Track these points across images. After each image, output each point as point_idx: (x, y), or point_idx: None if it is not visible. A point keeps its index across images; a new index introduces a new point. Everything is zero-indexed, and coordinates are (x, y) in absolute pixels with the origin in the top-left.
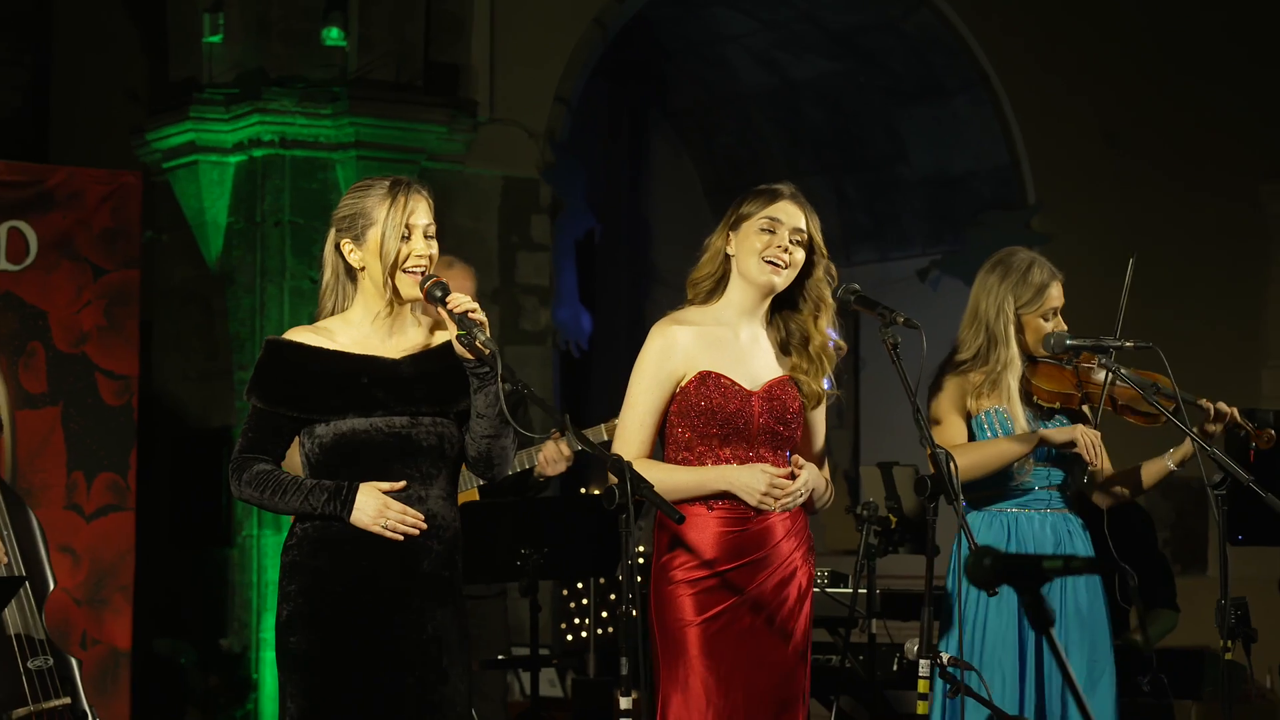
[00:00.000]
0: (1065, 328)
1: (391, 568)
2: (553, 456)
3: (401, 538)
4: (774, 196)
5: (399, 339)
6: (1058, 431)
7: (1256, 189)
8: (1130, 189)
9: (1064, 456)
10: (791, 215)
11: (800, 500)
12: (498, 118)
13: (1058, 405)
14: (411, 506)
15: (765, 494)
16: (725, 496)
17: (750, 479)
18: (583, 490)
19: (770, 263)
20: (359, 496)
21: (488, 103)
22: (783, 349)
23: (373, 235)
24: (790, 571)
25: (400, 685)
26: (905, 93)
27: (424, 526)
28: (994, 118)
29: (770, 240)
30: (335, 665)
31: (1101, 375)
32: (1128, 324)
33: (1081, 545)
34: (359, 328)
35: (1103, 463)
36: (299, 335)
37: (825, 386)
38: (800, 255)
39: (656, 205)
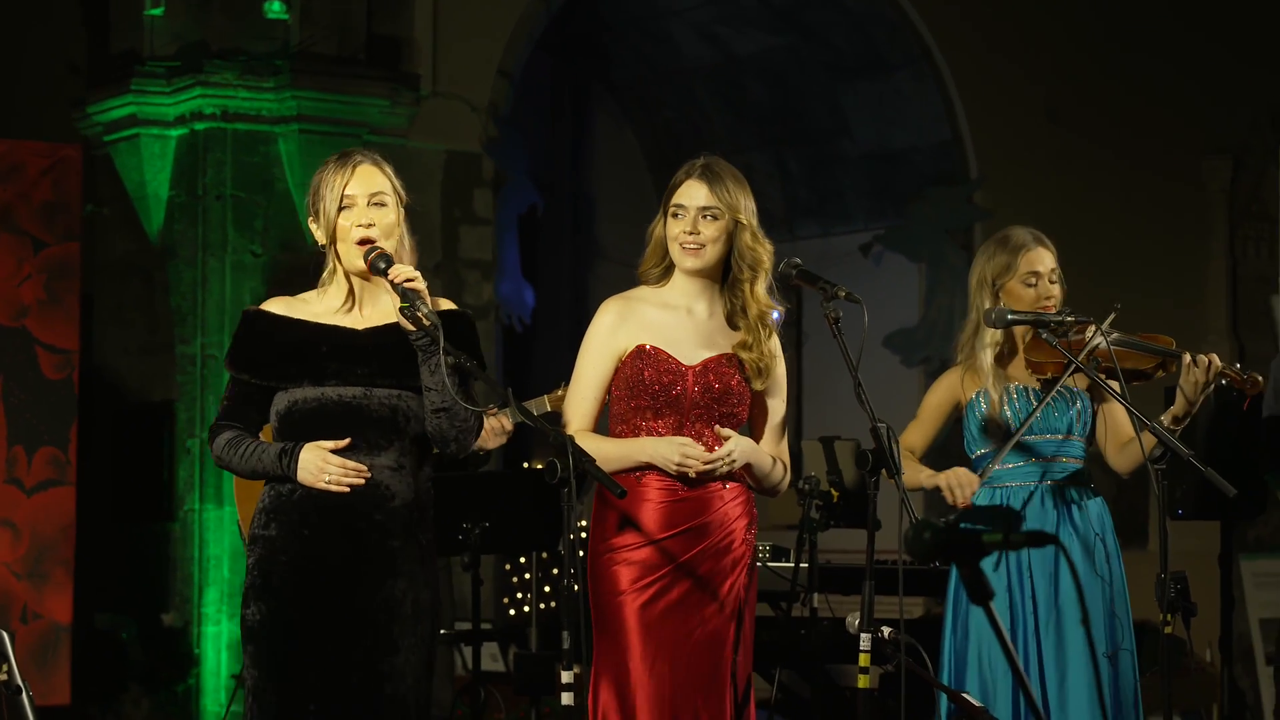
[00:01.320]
0: (1055, 294)
1: (333, 537)
2: (493, 429)
3: (347, 489)
4: (682, 178)
5: (370, 311)
6: (929, 478)
7: (1198, 164)
8: (1072, 164)
9: (1069, 428)
10: (694, 195)
11: (725, 468)
12: (440, 91)
13: (1049, 373)
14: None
15: (679, 463)
16: (649, 468)
17: (666, 449)
18: (525, 464)
19: (684, 247)
20: (302, 454)
21: (430, 76)
22: (730, 322)
23: (321, 210)
24: (726, 542)
25: (346, 655)
26: (847, 68)
27: (368, 475)
28: (936, 93)
29: (680, 227)
30: (285, 635)
31: (1095, 341)
32: (1071, 297)
33: (1067, 521)
34: (331, 299)
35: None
36: (272, 305)
37: (771, 350)
38: (713, 230)
39: (599, 179)
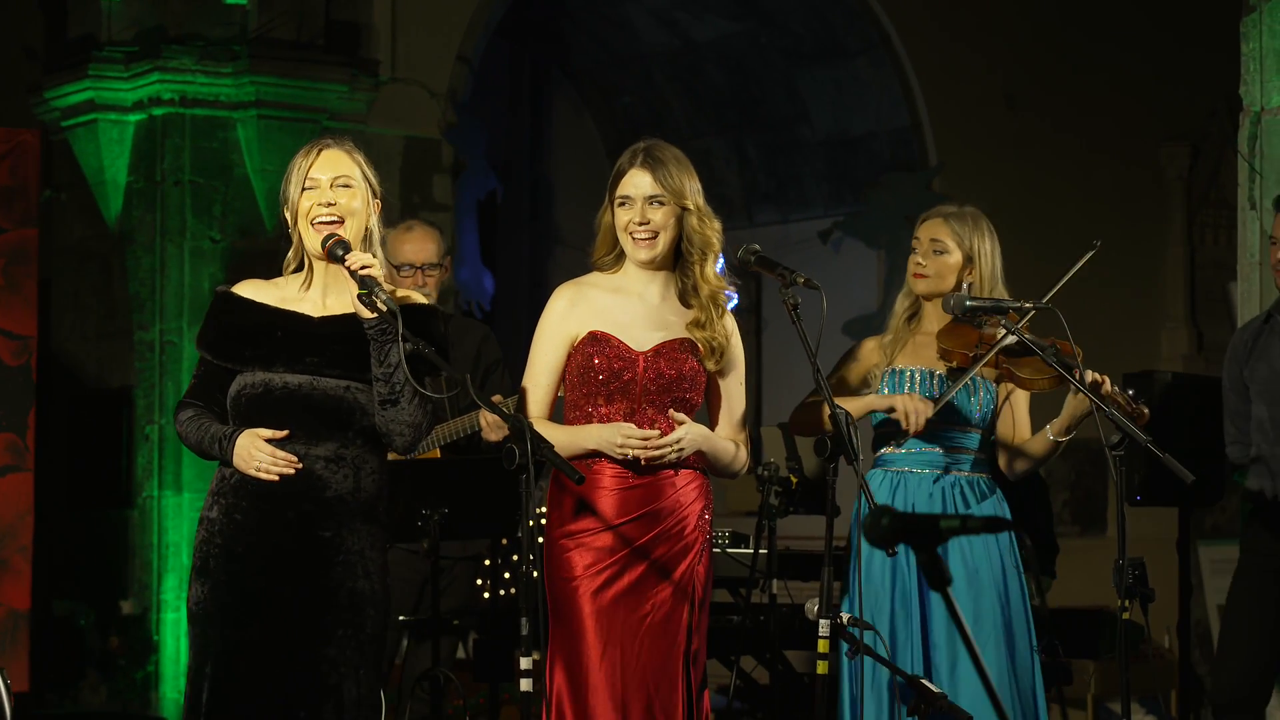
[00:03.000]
0: (925, 266)
1: (262, 524)
2: (494, 421)
3: (277, 478)
4: (623, 168)
5: (333, 299)
6: (881, 398)
7: (1156, 150)
8: (1030, 150)
9: (968, 419)
10: (639, 185)
11: (674, 454)
12: (399, 77)
13: (955, 363)
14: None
15: (620, 446)
16: (600, 455)
17: (607, 434)
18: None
19: (635, 238)
20: (238, 440)
21: (389, 62)
22: (684, 302)
23: (287, 193)
24: (679, 529)
25: (277, 643)
26: (806, 54)
27: (299, 465)
28: (895, 79)
29: (628, 216)
30: (220, 620)
31: (999, 335)
32: (1027, 283)
33: (973, 510)
34: (297, 286)
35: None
36: (242, 287)
37: (725, 329)
38: (661, 216)
39: (558, 166)
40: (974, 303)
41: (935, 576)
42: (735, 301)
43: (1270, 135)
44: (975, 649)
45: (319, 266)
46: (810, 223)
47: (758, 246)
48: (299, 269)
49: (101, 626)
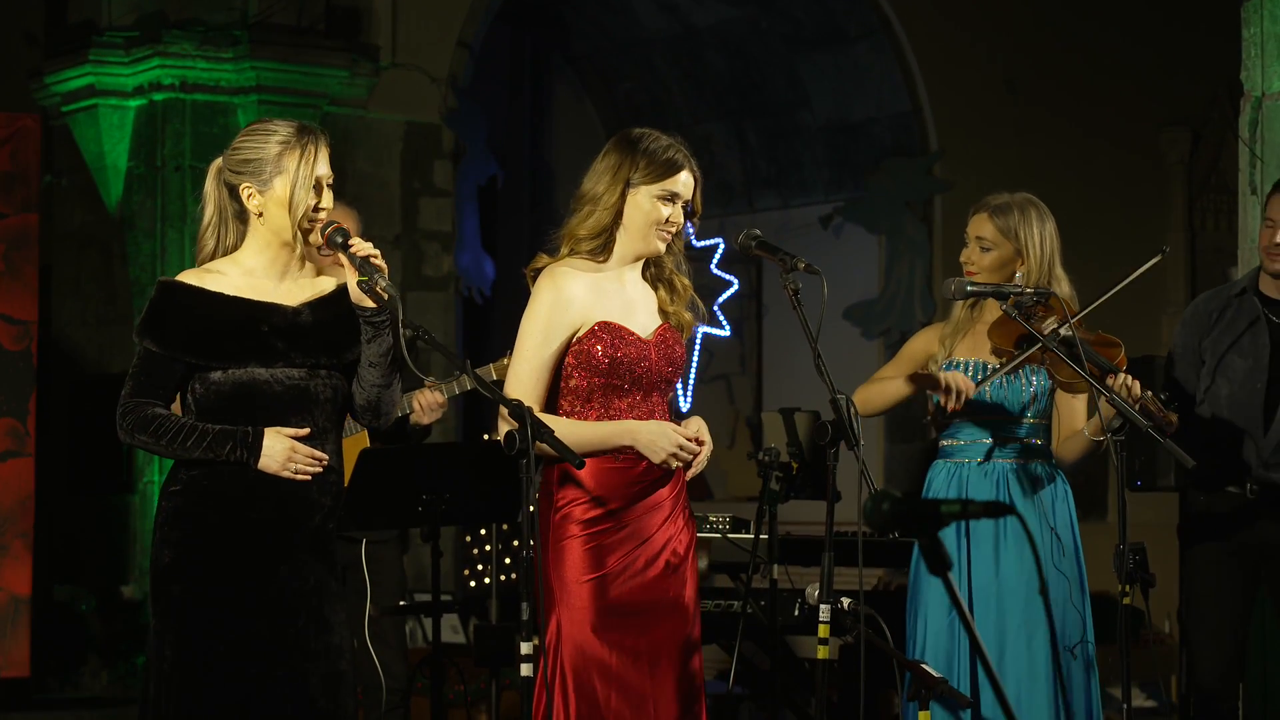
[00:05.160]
0: (978, 261)
1: (280, 520)
2: (429, 405)
3: (309, 478)
4: (674, 167)
5: (290, 285)
6: (932, 375)
7: (1156, 136)
8: (1031, 136)
9: (1021, 409)
10: (687, 187)
11: (704, 465)
12: (399, 62)
13: (1004, 358)
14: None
15: (672, 454)
16: (627, 450)
17: (657, 437)
18: (485, 436)
19: (663, 234)
20: (266, 441)
21: (389, 47)
22: (652, 286)
23: (280, 185)
24: (676, 510)
25: (282, 635)
26: (807, 39)
27: (327, 461)
28: (895, 64)
29: (667, 212)
30: (216, 614)
31: (1047, 330)
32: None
33: (1020, 499)
34: (251, 272)
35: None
36: (192, 278)
37: (690, 315)
38: (683, 218)
39: (558, 150)
40: (974, 288)
41: (935, 562)
42: (735, 288)
43: (1271, 120)
44: (976, 635)
45: (281, 254)
46: (811, 208)
47: (758, 232)
48: (223, 253)
49: (102, 612)
